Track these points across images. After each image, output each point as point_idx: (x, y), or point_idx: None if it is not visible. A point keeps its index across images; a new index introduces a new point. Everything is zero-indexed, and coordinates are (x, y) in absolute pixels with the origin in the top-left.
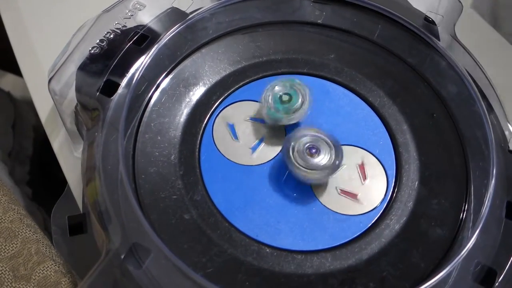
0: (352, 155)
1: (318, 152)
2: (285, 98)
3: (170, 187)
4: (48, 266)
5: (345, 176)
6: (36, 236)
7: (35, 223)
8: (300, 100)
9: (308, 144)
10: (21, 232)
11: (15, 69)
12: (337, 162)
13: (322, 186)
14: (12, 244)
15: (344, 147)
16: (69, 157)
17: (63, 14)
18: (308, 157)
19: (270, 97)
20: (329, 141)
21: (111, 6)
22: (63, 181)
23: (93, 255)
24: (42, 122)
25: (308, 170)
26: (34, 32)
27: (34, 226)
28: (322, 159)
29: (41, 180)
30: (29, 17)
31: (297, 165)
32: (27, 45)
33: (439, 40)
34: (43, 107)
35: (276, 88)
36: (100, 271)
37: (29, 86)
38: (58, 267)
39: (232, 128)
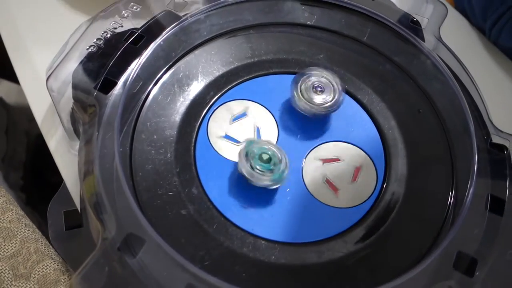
0: (342, 151)
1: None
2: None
3: (167, 184)
4: (48, 265)
5: (336, 170)
6: (35, 236)
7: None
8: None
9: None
10: (19, 232)
11: (7, 75)
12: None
13: (314, 180)
14: (11, 243)
15: (334, 143)
16: (65, 155)
17: (57, 16)
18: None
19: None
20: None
21: (108, 7)
22: (56, 186)
23: (89, 249)
24: (38, 122)
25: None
26: (28, 34)
27: (32, 226)
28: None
29: (34, 186)
30: (23, 18)
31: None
32: (22, 47)
33: (424, 41)
34: (39, 107)
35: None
36: (96, 260)
37: (24, 88)
38: (57, 265)
39: (226, 127)
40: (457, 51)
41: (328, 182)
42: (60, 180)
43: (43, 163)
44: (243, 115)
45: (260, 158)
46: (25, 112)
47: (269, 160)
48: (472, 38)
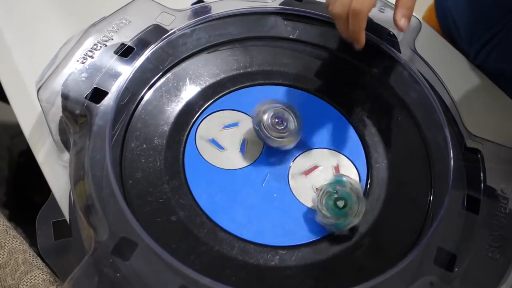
0: (327, 157)
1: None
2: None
3: (157, 191)
4: (36, 275)
5: (321, 176)
6: (23, 247)
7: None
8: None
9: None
10: (7, 243)
11: None
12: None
13: (300, 186)
14: None
15: (319, 150)
16: (54, 166)
17: (45, 32)
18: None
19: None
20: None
21: (98, 20)
22: (39, 205)
23: (78, 258)
24: (25, 135)
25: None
26: (16, 47)
27: (19, 237)
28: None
29: (18, 203)
30: (11, 35)
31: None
32: (9, 61)
33: (400, 52)
34: (27, 120)
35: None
36: (87, 266)
37: (11, 101)
38: (46, 275)
39: (213, 138)
40: (431, 62)
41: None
42: (43, 198)
43: (26, 180)
44: (230, 125)
45: (335, 204)
46: (7, 129)
47: (344, 205)
48: (445, 51)
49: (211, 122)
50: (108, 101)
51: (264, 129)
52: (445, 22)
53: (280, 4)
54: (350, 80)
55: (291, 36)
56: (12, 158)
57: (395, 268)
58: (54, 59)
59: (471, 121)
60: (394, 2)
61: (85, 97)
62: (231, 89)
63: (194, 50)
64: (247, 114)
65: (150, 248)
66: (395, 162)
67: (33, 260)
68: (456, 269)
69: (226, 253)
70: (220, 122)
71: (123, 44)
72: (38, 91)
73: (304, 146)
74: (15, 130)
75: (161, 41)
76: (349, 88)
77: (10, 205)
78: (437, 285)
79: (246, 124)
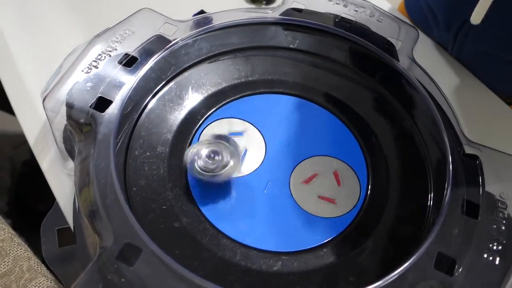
0: (327, 164)
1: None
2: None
3: (160, 198)
4: (41, 282)
5: (323, 183)
6: (28, 254)
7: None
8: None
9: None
10: (12, 250)
11: None
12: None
13: (301, 192)
14: (3, 262)
15: (319, 157)
16: (58, 174)
17: (50, 43)
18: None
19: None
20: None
21: (103, 31)
22: (42, 214)
23: (82, 265)
24: (30, 144)
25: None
26: (21, 57)
27: (24, 244)
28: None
29: (20, 212)
30: (16, 45)
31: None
32: (14, 70)
33: (398, 61)
34: (31, 129)
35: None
36: (92, 271)
37: (16, 110)
38: (51, 283)
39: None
40: (429, 70)
41: (321, 198)
42: (47, 207)
43: (30, 190)
44: (232, 133)
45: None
46: (9, 139)
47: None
48: (443, 59)
49: (213, 130)
50: (112, 110)
51: (203, 172)
52: (417, 10)
53: (280, 15)
54: (349, 88)
55: (291, 46)
56: (15, 168)
57: (396, 273)
58: (59, 69)
59: (469, 128)
60: (392, 12)
61: (90, 106)
62: (233, 98)
63: (196, 60)
64: (249, 122)
65: (154, 254)
66: (395, 168)
67: (37, 267)
68: (456, 274)
69: (229, 259)
70: (222, 129)
71: (127, 54)
72: (43, 100)
73: (305, 153)
74: (17, 140)
75: (164, 51)
76: (349, 96)
77: (14, 215)
78: None
79: (247, 132)
